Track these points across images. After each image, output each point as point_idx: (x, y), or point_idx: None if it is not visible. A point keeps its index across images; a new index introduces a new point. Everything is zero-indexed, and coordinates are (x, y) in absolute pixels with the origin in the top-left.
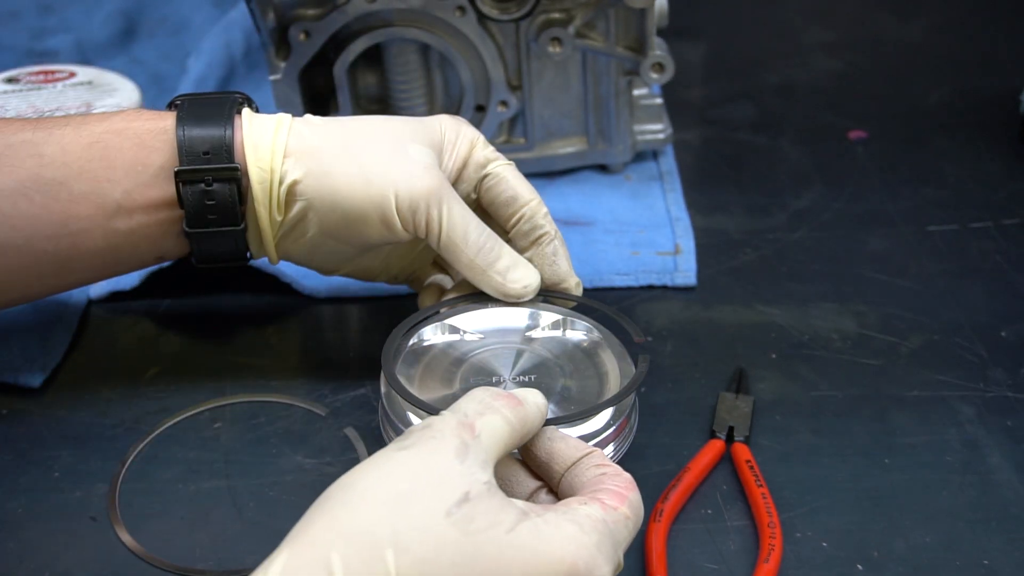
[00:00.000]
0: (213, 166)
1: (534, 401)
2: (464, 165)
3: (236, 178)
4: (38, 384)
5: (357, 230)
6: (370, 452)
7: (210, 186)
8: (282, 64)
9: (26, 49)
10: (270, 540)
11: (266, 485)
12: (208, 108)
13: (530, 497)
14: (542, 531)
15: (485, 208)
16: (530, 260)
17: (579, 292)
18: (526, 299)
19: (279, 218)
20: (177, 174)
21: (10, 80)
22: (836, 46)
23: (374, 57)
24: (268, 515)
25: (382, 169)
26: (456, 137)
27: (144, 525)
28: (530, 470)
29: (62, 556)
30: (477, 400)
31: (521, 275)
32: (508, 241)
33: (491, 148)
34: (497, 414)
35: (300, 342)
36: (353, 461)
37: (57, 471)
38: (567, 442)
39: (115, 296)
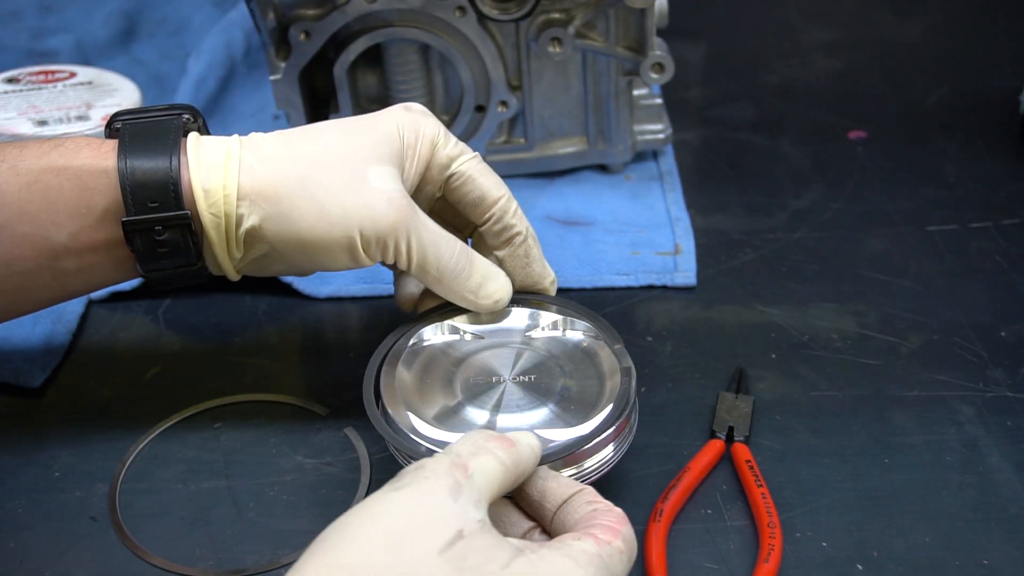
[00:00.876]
0: (161, 215)
1: (527, 443)
2: (427, 167)
3: (187, 224)
4: (38, 384)
5: (323, 263)
6: (370, 452)
7: (161, 235)
8: (282, 64)
9: (26, 49)
10: (270, 540)
11: (266, 485)
12: (151, 139)
13: (524, 537)
14: (537, 567)
15: (453, 206)
16: (503, 260)
17: (554, 291)
18: (499, 309)
19: (239, 255)
20: (124, 224)
21: (10, 80)
22: (836, 46)
23: (374, 57)
24: (268, 515)
25: (343, 207)
26: (416, 140)
27: (144, 525)
28: (523, 510)
29: (62, 556)
30: (470, 442)
31: (493, 290)
32: (480, 237)
33: (453, 142)
34: (490, 455)
35: (300, 342)
36: (353, 461)
37: (57, 471)
38: (559, 480)
39: (115, 296)
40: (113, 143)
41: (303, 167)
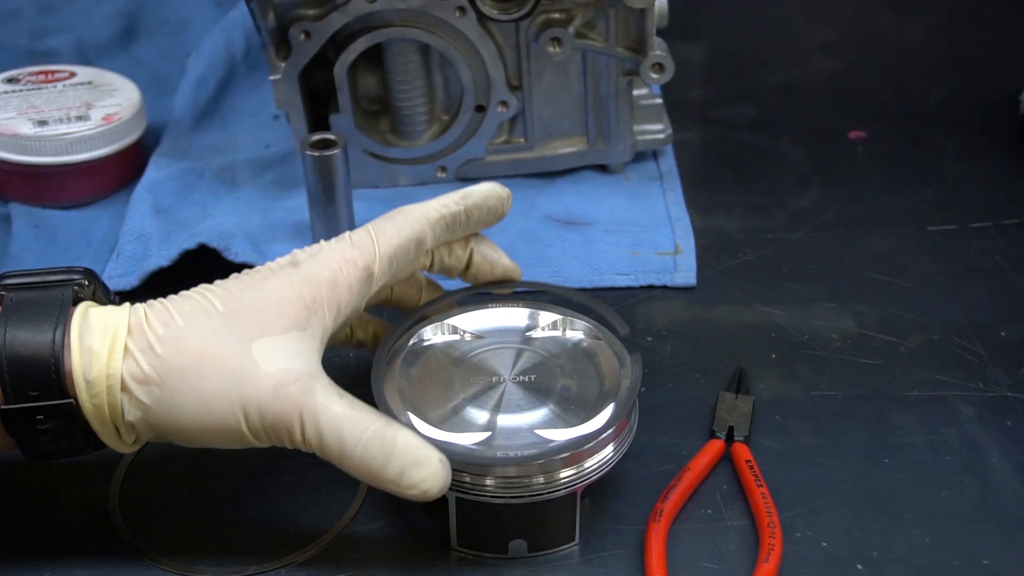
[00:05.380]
0: (43, 403)
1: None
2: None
3: (71, 411)
4: None
5: (215, 446)
6: None
7: (43, 424)
8: (282, 64)
9: (26, 49)
10: (270, 541)
11: (266, 485)
12: (34, 314)
13: None
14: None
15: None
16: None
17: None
18: (429, 499)
19: (129, 440)
20: (2, 412)
21: (10, 80)
22: (836, 46)
23: (374, 57)
24: (268, 516)
25: (227, 400)
26: (330, 290)
27: (144, 525)
28: None
29: (62, 556)
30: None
31: (418, 479)
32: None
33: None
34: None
35: None
36: None
37: (57, 470)
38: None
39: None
40: None
41: (186, 357)
